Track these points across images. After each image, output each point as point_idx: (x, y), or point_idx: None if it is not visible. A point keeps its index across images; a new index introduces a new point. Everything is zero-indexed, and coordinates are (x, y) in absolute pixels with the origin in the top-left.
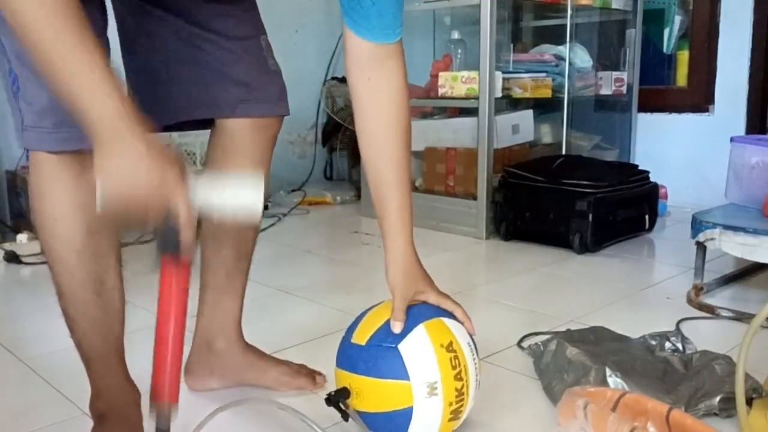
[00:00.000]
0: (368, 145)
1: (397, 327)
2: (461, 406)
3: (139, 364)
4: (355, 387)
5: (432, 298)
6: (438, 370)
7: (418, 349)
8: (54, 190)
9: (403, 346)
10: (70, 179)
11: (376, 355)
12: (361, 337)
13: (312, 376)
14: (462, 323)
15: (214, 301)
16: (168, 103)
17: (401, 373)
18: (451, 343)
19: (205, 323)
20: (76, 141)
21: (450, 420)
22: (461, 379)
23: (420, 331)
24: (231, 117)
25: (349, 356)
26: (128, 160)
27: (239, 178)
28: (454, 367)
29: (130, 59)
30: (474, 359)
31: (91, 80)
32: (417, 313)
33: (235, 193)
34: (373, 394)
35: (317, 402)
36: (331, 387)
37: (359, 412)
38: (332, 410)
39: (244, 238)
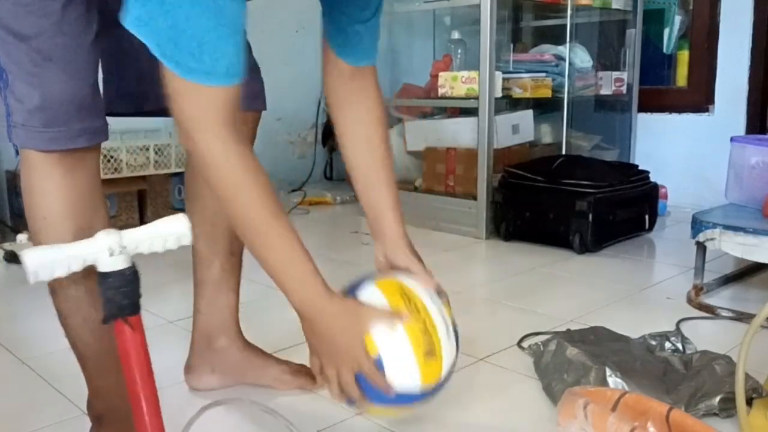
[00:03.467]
0: (353, 151)
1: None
2: (431, 344)
3: None
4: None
5: (400, 259)
6: (393, 304)
7: (369, 297)
8: (44, 187)
9: (359, 296)
10: (60, 177)
11: None
12: None
13: (312, 375)
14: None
15: (210, 297)
16: (147, 89)
17: None
18: (401, 289)
19: (204, 320)
20: (65, 140)
21: (426, 357)
22: (420, 321)
23: (369, 286)
24: None
25: None
26: (320, 336)
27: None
28: (407, 305)
29: (112, 41)
30: (438, 307)
31: (297, 270)
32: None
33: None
34: None
35: (318, 402)
36: None
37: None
38: (331, 411)
39: (236, 233)
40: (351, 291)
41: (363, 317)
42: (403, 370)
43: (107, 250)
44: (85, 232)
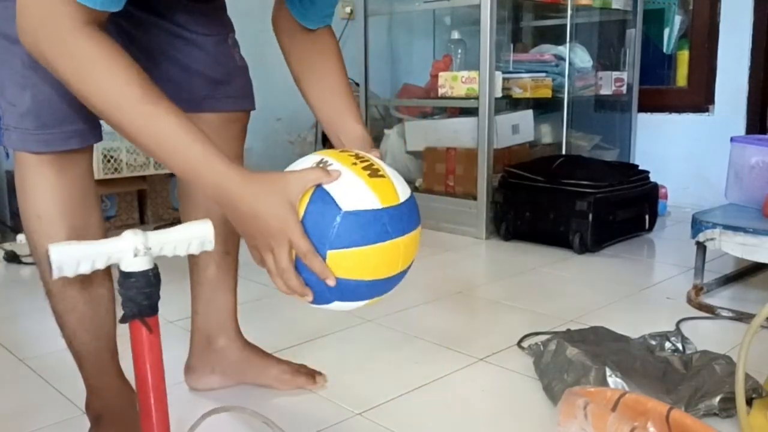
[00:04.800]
0: (310, 82)
1: None
2: (372, 168)
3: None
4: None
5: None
6: (317, 154)
7: (294, 166)
8: (37, 187)
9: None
10: (53, 177)
11: None
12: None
13: (312, 375)
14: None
15: (207, 298)
16: None
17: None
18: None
19: (202, 320)
20: (57, 142)
21: (374, 176)
22: (351, 155)
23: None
24: (196, 112)
25: None
26: (243, 219)
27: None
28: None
29: None
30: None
31: (195, 151)
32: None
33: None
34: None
35: (318, 402)
36: (332, 387)
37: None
38: (332, 411)
39: (231, 232)
40: None
41: (285, 181)
42: (350, 188)
43: (132, 250)
44: (79, 231)
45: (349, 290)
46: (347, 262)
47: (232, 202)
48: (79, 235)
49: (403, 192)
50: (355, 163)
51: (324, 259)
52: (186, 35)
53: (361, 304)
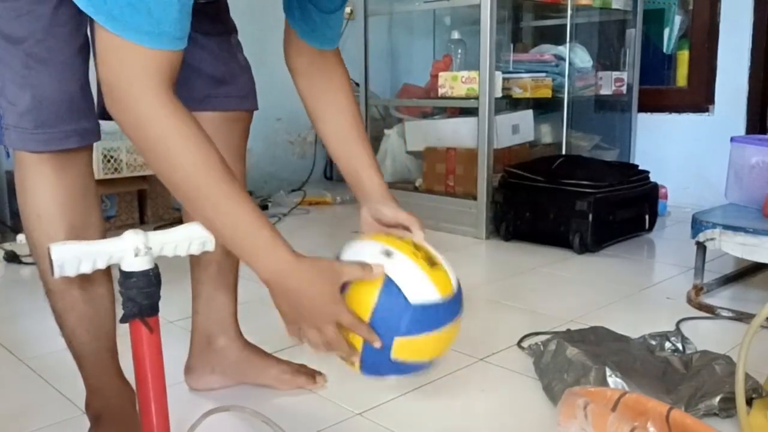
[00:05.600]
0: (323, 119)
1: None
2: (428, 257)
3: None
4: None
5: (387, 210)
6: (380, 242)
7: (358, 252)
8: (37, 187)
9: (342, 256)
10: (53, 175)
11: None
12: None
13: (312, 375)
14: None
15: (208, 297)
16: None
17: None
18: (385, 235)
19: (203, 320)
20: (57, 142)
21: (432, 266)
22: (409, 242)
23: (351, 243)
24: (199, 110)
25: None
26: (292, 302)
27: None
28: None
29: None
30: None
31: (259, 236)
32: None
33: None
34: (354, 304)
35: (318, 402)
36: (332, 387)
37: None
38: (332, 411)
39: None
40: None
41: (335, 269)
42: (416, 282)
43: (133, 250)
44: (78, 230)
45: (409, 368)
46: (412, 348)
47: (286, 286)
48: (78, 235)
49: (454, 279)
50: (415, 253)
51: (390, 345)
52: (190, 35)
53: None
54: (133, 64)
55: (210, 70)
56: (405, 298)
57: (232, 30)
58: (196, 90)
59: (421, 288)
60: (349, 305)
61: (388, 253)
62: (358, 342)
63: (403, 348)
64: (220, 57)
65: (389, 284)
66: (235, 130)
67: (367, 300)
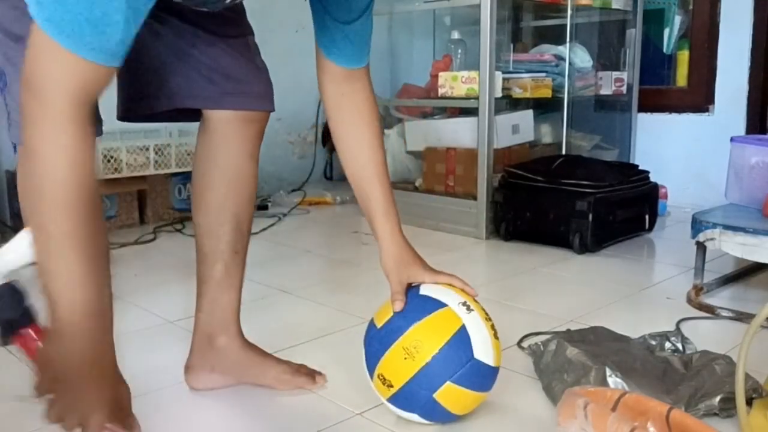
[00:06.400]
0: (346, 149)
1: (398, 305)
2: (494, 326)
3: (131, 366)
4: (410, 345)
5: (427, 278)
6: (460, 294)
7: (442, 294)
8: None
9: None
10: None
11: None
12: (379, 322)
13: (312, 375)
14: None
15: (213, 296)
16: (159, 90)
17: (437, 305)
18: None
19: (205, 318)
20: None
21: (495, 337)
22: (481, 309)
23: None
24: (217, 109)
25: (381, 338)
26: (72, 369)
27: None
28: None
29: None
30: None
31: (76, 276)
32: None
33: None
34: (426, 334)
35: (318, 402)
36: (332, 387)
37: (424, 366)
38: (332, 411)
39: (240, 231)
40: (412, 289)
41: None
42: (484, 342)
43: None
44: None
45: (439, 414)
46: (455, 396)
47: (71, 335)
48: None
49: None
50: (487, 319)
51: (441, 384)
52: (209, 36)
53: (426, 422)
54: (58, 68)
55: (228, 70)
56: (471, 351)
57: (248, 32)
58: (214, 89)
59: (485, 349)
60: (421, 333)
61: (468, 308)
62: (408, 372)
63: (448, 393)
64: (238, 58)
65: (463, 332)
66: (251, 130)
67: (440, 335)
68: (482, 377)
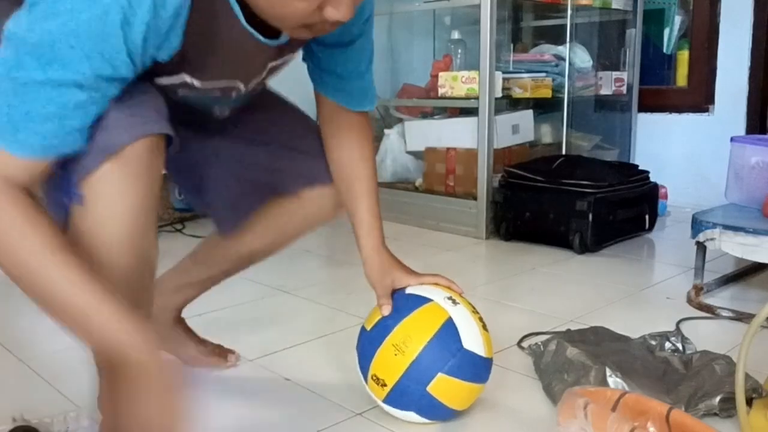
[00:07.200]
0: (336, 159)
1: (385, 309)
2: (482, 319)
3: None
4: (399, 341)
5: (412, 281)
6: (445, 291)
7: (427, 291)
8: None
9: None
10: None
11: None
12: (368, 325)
13: (224, 355)
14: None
15: (178, 284)
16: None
17: (423, 300)
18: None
19: (162, 288)
20: None
21: (484, 329)
22: (468, 303)
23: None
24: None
25: (371, 339)
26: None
27: None
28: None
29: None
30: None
31: (102, 307)
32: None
33: None
34: (414, 328)
35: (318, 402)
36: (332, 387)
37: (415, 360)
38: (332, 411)
39: (242, 264)
40: (398, 292)
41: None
42: (472, 333)
43: None
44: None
45: (435, 409)
46: (449, 388)
47: (133, 373)
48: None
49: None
50: (474, 312)
51: (432, 377)
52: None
53: (427, 421)
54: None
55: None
56: (460, 341)
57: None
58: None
59: (474, 340)
60: (409, 328)
61: (453, 302)
62: (400, 367)
63: (441, 385)
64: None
65: (450, 324)
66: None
67: (427, 328)
68: (474, 367)
